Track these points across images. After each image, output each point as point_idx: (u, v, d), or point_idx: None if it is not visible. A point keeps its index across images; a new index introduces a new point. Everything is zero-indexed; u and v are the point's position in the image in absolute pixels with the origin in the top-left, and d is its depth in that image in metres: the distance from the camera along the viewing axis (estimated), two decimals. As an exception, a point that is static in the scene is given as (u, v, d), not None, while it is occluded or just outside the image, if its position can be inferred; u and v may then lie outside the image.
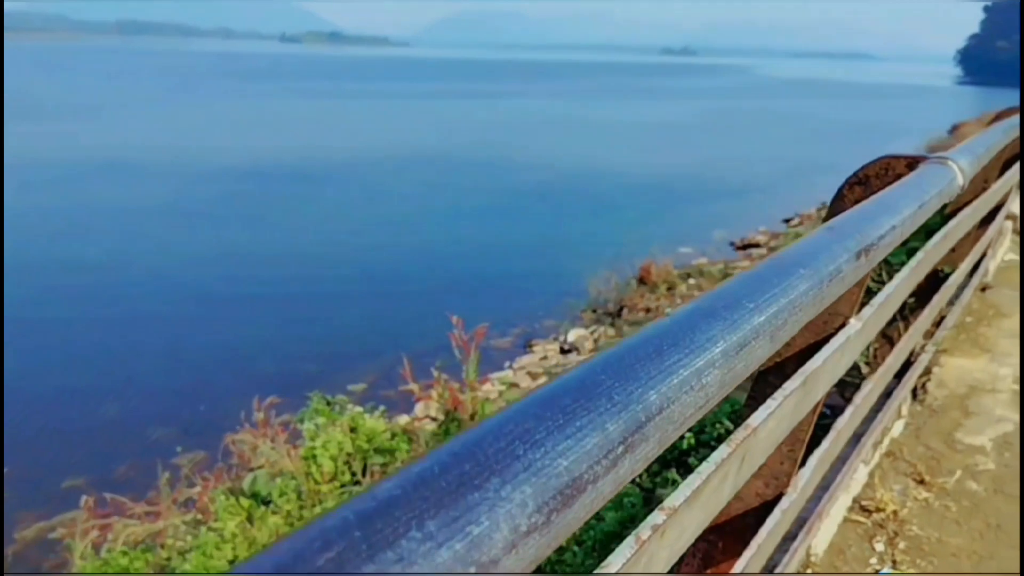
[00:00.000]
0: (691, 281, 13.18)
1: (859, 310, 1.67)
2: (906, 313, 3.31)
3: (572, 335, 11.90)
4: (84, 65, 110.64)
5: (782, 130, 47.82)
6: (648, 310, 11.99)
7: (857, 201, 1.72)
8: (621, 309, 12.56)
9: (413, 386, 5.11)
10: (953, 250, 3.52)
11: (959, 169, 1.90)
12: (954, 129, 33.93)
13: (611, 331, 11.62)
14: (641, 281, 13.11)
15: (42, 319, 13.56)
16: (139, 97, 57.24)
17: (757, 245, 17.30)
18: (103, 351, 12.31)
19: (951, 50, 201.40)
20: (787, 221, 20.69)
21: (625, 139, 40.89)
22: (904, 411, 3.32)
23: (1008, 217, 6.08)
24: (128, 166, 28.06)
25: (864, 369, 3.18)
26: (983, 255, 4.43)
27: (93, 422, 9.96)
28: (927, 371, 3.71)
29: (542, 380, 9.70)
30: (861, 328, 1.66)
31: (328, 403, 5.22)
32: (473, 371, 5.11)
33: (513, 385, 9.72)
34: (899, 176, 1.85)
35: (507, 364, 11.30)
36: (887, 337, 2.98)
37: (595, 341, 11.24)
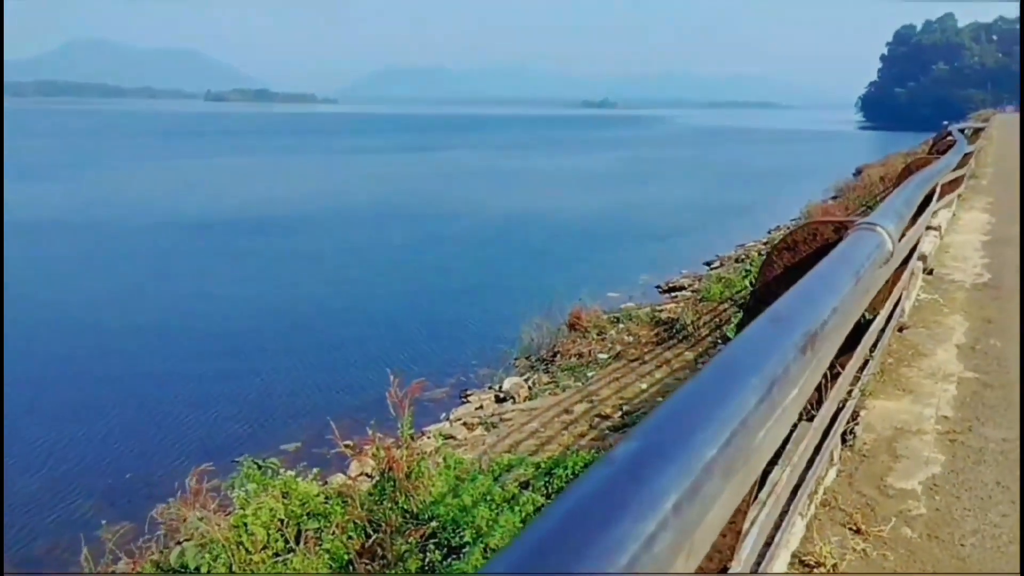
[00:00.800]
0: (620, 325, 13.44)
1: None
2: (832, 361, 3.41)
3: (507, 383, 11.95)
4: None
5: (699, 176, 49.51)
6: (580, 355, 12.16)
7: (786, 267, 1.87)
8: (555, 355, 12.70)
9: (344, 447, 5.08)
10: (876, 294, 3.62)
11: (887, 234, 1.88)
12: (858, 171, 35.74)
13: (545, 377, 11.72)
14: (572, 327, 13.30)
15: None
16: (68, 158, 55.60)
17: (681, 288, 17.77)
18: (21, 413, 11.77)
19: (853, 97, 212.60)
20: (708, 264, 21.34)
21: (550, 188, 41.66)
22: (835, 457, 3.31)
23: (919, 258, 6.40)
24: (61, 224, 27.22)
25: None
26: (900, 296, 4.62)
27: (10, 494, 9.48)
28: (855, 416, 3.75)
29: (478, 431, 9.71)
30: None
31: (259, 467, 5.12)
32: (408, 427, 5.11)
33: (449, 437, 9.69)
34: (826, 241, 1.91)
35: (443, 415, 11.26)
36: (817, 389, 3.07)
37: (529, 388, 11.32)
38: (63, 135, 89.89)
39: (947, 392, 4.30)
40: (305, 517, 4.50)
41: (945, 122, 26.34)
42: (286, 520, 4.52)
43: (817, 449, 2.66)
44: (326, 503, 4.68)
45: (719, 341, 10.71)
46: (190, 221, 29.37)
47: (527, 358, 13.25)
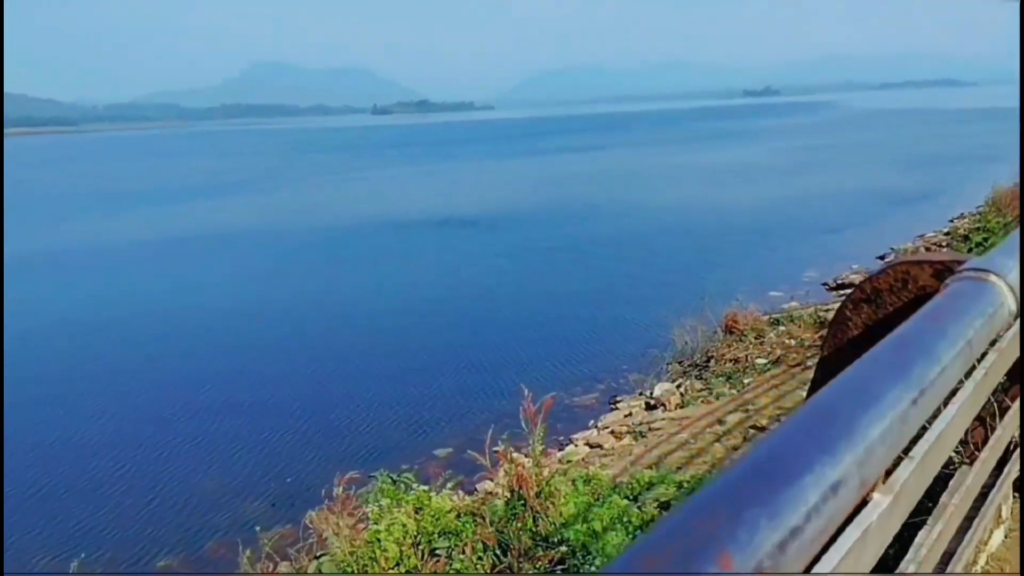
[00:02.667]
0: (780, 328, 12.67)
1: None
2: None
3: (658, 389, 11.55)
4: (198, 148, 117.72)
5: (871, 162, 46.24)
6: (736, 360, 11.55)
7: (867, 326, 1.37)
8: (709, 360, 12.16)
9: (481, 461, 4.99)
10: None
11: (1006, 286, 1.26)
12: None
13: (698, 384, 11.22)
14: (728, 330, 12.67)
15: (132, 388, 14.15)
16: (256, 175, 60.19)
17: (852, 285, 16.54)
18: (191, 420, 12.67)
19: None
20: (882, 258, 19.76)
21: (709, 182, 40.37)
22: (1004, 514, 2.64)
23: None
24: (249, 232, 29.40)
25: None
26: None
27: (185, 495, 10.20)
28: None
29: (625, 441, 9.40)
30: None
31: (394, 481, 5.13)
32: (539, 443, 4.94)
33: (596, 446, 9.43)
34: (922, 290, 1.40)
35: (591, 422, 11.04)
36: (979, 419, 2.37)
37: (681, 395, 10.86)
38: (250, 154, 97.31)
39: None
40: (436, 535, 4.45)
41: None
42: (418, 536, 4.48)
43: (977, 501, 2.19)
44: (458, 519, 4.60)
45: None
46: (368, 225, 30.88)
47: (680, 363, 12.76)
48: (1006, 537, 2.58)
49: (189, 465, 11.02)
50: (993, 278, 1.24)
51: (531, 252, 24.91)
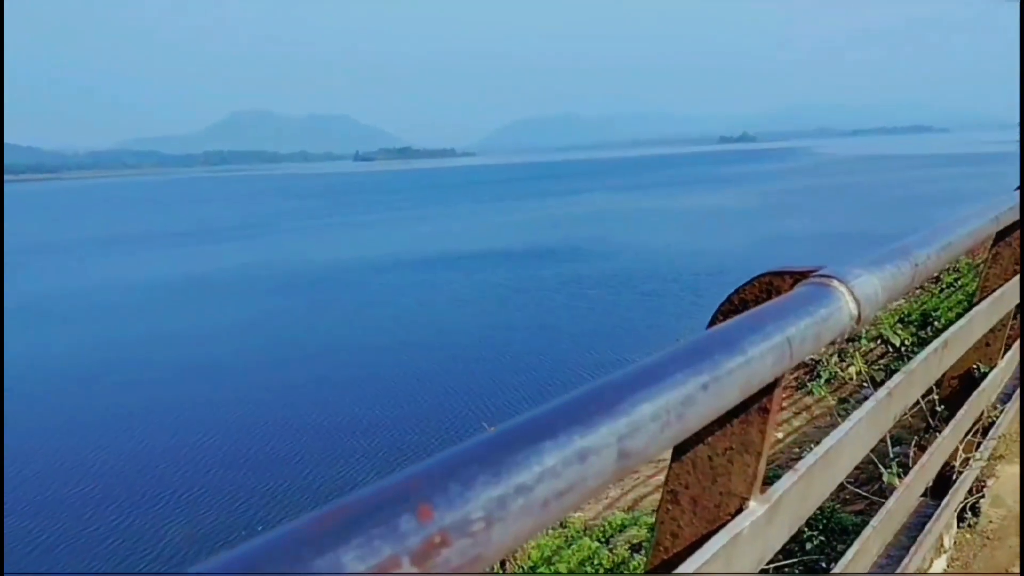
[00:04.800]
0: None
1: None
2: (938, 420, 2.75)
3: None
4: (182, 195, 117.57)
5: (845, 206, 47.05)
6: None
7: None
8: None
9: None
10: (988, 344, 2.98)
11: (847, 292, 1.26)
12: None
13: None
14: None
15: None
16: (240, 221, 60.20)
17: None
18: (141, 461, 12.53)
19: (1014, 116, 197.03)
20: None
21: (682, 225, 40.86)
22: (947, 543, 2.64)
23: None
24: (230, 277, 29.34)
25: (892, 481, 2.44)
26: None
27: (124, 533, 10.07)
28: (979, 487, 2.98)
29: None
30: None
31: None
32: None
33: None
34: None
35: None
36: (922, 448, 2.47)
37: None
38: (233, 200, 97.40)
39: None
40: None
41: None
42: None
43: (915, 530, 2.24)
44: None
45: (865, 384, 9.92)
46: (352, 268, 31.01)
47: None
48: (948, 567, 2.58)
49: (128, 507, 10.90)
50: (835, 283, 1.27)
51: (508, 296, 25.09)
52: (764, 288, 1.38)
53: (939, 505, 2.49)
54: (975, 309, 2.63)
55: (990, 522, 2.83)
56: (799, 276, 1.36)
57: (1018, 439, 3.51)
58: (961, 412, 2.67)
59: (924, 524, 2.37)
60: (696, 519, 1.26)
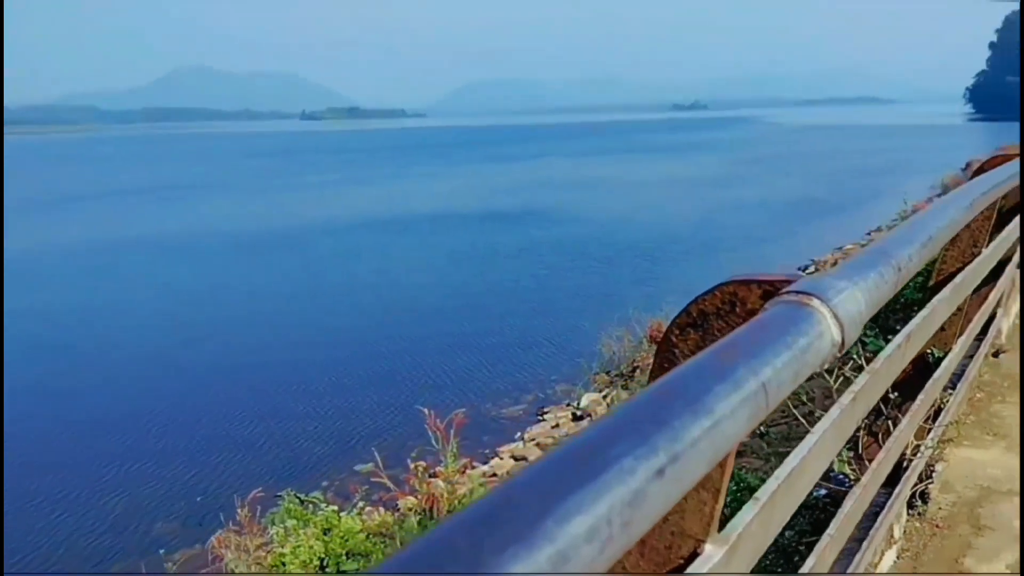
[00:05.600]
0: (705, 337, 12.77)
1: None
2: (891, 407, 2.62)
3: (585, 400, 11.52)
4: (126, 154, 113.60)
5: (793, 176, 47.64)
6: (661, 370, 11.58)
7: (693, 353, 1.11)
8: (634, 370, 12.17)
9: (387, 481, 4.77)
10: (943, 328, 2.87)
11: (830, 315, 1.03)
12: (967, 166, 33.59)
13: (624, 394, 11.21)
14: (653, 340, 12.71)
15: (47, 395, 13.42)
16: (183, 181, 58.31)
17: (774, 295, 16.90)
18: (98, 435, 12.06)
19: (960, 88, 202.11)
20: (803, 269, 20.27)
21: (634, 194, 40.89)
22: (897, 533, 2.52)
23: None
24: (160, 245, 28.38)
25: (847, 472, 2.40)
26: (991, 316, 3.82)
27: (89, 515, 9.66)
28: (928, 471, 2.88)
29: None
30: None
31: (301, 501, 4.88)
32: (452, 461, 4.77)
33: (522, 458, 9.30)
34: (751, 313, 1.21)
35: (518, 434, 10.91)
36: (874, 435, 2.36)
37: (607, 405, 10.83)
38: (178, 159, 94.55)
39: (1052, 436, 3.37)
40: (344, 557, 4.22)
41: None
42: (326, 558, 4.24)
43: (868, 520, 2.09)
44: (368, 540, 4.38)
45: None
46: (304, 230, 30.20)
47: (607, 373, 12.77)
48: (898, 558, 2.47)
49: (93, 484, 10.43)
50: (815, 303, 1.02)
51: (463, 261, 24.79)
52: (727, 299, 1.20)
53: (891, 494, 2.40)
54: (937, 297, 2.52)
55: (939, 509, 2.78)
56: (768, 287, 1.17)
57: (967, 423, 3.46)
58: (917, 401, 2.56)
59: (877, 515, 2.28)
60: (644, 561, 1.11)
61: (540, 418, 11.40)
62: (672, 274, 21.38)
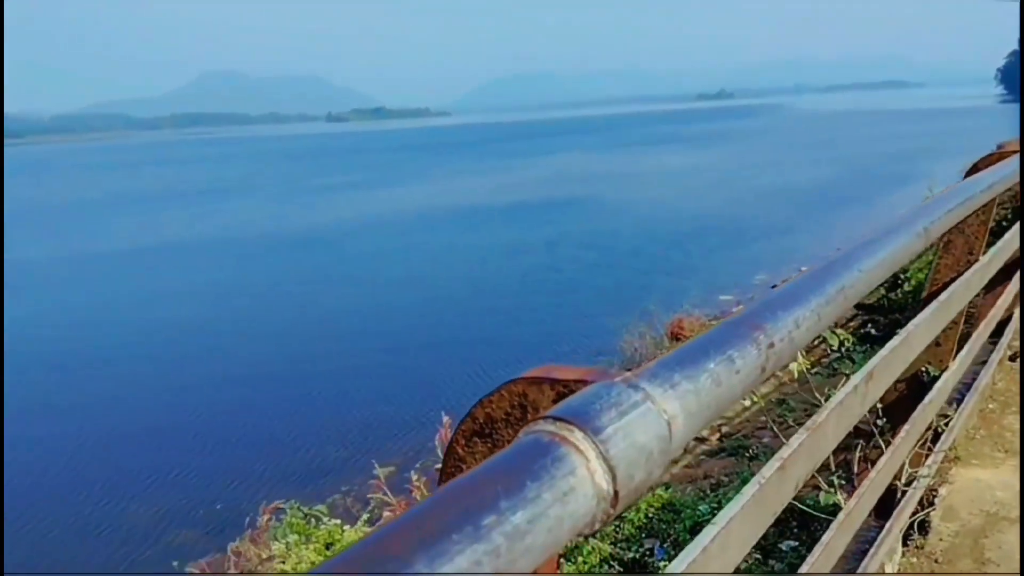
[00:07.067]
0: (727, 332, 12.56)
1: None
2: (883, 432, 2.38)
3: (606, 399, 11.34)
4: (154, 159, 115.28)
5: (821, 164, 46.92)
6: (682, 367, 11.39)
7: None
8: (655, 367, 11.99)
9: (389, 496, 4.69)
10: (938, 344, 2.63)
11: (599, 462, 0.70)
12: (1000, 147, 32.83)
13: (645, 392, 11.03)
14: (675, 336, 12.56)
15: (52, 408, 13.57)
16: (214, 185, 58.99)
17: (799, 287, 16.61)
18: (120, 442, 12.16)
19: (991, 70, 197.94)
20: (830, 259, 19.97)
21: (660, 186, 40.55)
22: (889, 570, 2.29)
23: None
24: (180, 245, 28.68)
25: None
26: (1010, 313, 3.55)
27: (114, 520, 9.73)
28: (930, 499, 2.66)
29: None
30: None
31: (305, 515, 4.82)
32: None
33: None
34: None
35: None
36: (870, 461, 2.12)
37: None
38: (200, 163, 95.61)
39: (1067, 453, 3.05)
40: (346, 573, 4.12)
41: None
42: (328, 575, 4.15)
43: (858, 557, 1.92)
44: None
45: (830, 350, 9.71)
46: (332, 231, 30.38)
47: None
48: None
49: (118, 492, 10.51)
50: (576, 438, 0.69)
51: (487, 258, 24.77)
52: (517, 403, 0.94)
53: (882, 528, 2.19)
54: (928, 308, 2.30)
55: (940, 540, 2.50)
56: (563, 389, 0.91)
57: (977, 437, 3.19)
58: (908, 424, 2.34)
59: (866, 551, 2.07)
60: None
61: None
62: (698, 267, 21.19)
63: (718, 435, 8.03)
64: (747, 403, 9.23)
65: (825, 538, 1.67)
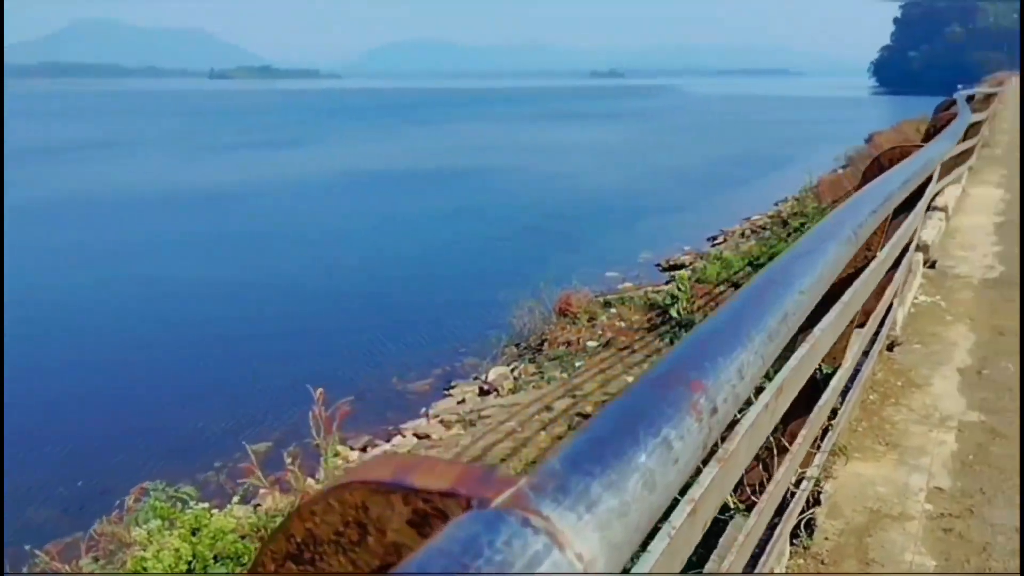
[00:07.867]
0: (612, 310, 12.79)
1: None
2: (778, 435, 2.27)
3: (492, 374, 11.36)
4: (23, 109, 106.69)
5: (705, 146, 48.47)
6: (568, 343, 11.53)
7: None
8: (543, 343, 12.09)
9: (257, 478, 4.51)
10: (838, 342, 2.61)
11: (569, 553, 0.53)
12: (870, 138, 34.70)
13: (531, 368, 11.12)
14: (562, 312, 12.67)
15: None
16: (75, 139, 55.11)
17: (682, 266, 17.08)
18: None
19: (866, 62, 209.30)
20: (712, 239, 20.65)
21: (548, 162, 40.82)
22: (778, 570, 2.23)
23: (919, 248, 5.51)
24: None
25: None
26: (891, 304, 3.59)
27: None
28: (815, 497, 2.61)
29: (455, 430, 9.13)
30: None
31: (169, 497, 4.56)
32: (331, 455, 4.53)
33: (425, 436, 9.11)
34: (394, 553, 0.64)
35: (423, 410, 10.69)
36: (757, 459, 2.02)
37: (515, 380, 10.73)
38: (73, 116, 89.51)
39: (943, 447, 3.14)
40: (214, 560, 3.94)
41: (960, 86, 25.26)
42: (193, 562, 3.95)
43: (753, 564, 1.90)
44: (241, 541, 4.11)
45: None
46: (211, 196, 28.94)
47: (516, 346, 12.64)
48: None
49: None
50: (539, 523, 0.52)
51: (378, 228, 24.35)
52: (351, 517, 0.59)
53: (773, 533, 2.11)
54: (833, 311, 2.21)
55: (826, 539, 2.47)
56: (421, 504, 0.58)
57: (859, 430, 3.24)
58: (806, 428, 2.28)
59: (758, 558, 1.98)
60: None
61: (447, 393, 11.21)
62: (586, 244, 21.45)
63: (567, 417, 8.19)
64: (631, 379, 9.43)
65: (721, 544, 1.64)
